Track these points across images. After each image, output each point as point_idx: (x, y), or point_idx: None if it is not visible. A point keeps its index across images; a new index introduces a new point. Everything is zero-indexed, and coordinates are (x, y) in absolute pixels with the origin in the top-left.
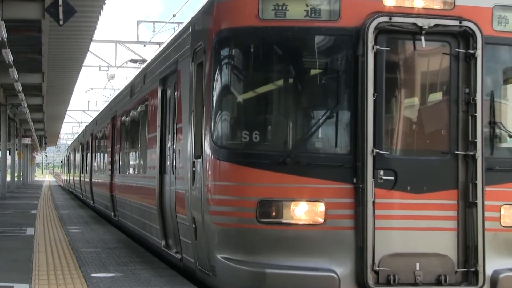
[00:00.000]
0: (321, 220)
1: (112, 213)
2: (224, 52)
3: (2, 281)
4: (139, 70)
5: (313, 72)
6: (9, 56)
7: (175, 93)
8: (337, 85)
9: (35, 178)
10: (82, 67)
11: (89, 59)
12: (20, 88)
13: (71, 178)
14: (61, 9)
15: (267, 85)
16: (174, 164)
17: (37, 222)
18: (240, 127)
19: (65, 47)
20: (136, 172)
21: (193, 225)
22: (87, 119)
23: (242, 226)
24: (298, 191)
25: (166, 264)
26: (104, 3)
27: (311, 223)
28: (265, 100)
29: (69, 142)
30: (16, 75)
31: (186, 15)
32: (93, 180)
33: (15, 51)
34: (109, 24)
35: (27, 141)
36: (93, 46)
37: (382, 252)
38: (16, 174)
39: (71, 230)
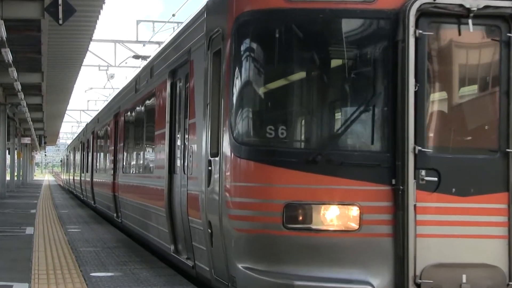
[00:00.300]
0: (355, 225)
1: (115, 214)
2: (246, 38)
3: (1, 280)
4: (144, 64)
5: (346, 60)
6: (8, 56)
7: (187, 86)
8: (373, 75)
9: (35, 178)
10: (82, 67)
11: (88, 59)
12: (19, 87)
13: (71, 177)
14: (60, 8)
15: (295, 75)
16: (185, 163)
17: (36, 221)
18: (265, 122)
19: (65, 47)
20: (141, 171)
21: (209, 230)
22: (87, 118)
23: (266, 232)
24: (329, 193)
25: (175, 270)
26: (104, 3)
27: (344, 229)
28: (292, 91)
29: (69, 142)
30: (15, 74)
31: (186, 14)
32: (94, 179)
33: (15, 50)
34: (108, 24)
35: (26, 140)
36: (92, 46)
37: (424, 262)
38: (16, 174)
39: (71, 230)
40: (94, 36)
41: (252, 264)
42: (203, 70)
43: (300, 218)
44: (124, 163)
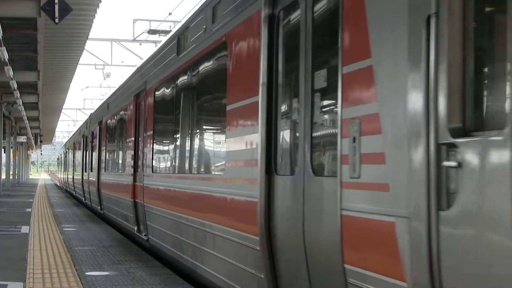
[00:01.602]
0: None
1: (136, 228)
2: None
3: None
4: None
5: None
6: (4, 54)
7: (329, 7)
8: None
9: (30, 177)
10: (78, 65)
11: (84, 57)
12: (15, 86)
13: (70, 177)
14: (56, 7)
15: None
16: (323, 155)
17: (31, 220)
18: None
19: (61, 45)
20: (194, 171)
21: None
22: (83, 117)
23: None
24: None
25: None
26: (100, 1)
27: None
28: None
29: (65, 141)
30: (11, 73)
31: (184, 13)
32: (102, 180)
33: (11, 49)
34: (105, 23)
35: (22, 139)
36: (88, 44)
37: None
38: (11, 172)
39: (66, 229)
40: (90, 35)
41: None
42: None
43: None
44: (155, 160)
